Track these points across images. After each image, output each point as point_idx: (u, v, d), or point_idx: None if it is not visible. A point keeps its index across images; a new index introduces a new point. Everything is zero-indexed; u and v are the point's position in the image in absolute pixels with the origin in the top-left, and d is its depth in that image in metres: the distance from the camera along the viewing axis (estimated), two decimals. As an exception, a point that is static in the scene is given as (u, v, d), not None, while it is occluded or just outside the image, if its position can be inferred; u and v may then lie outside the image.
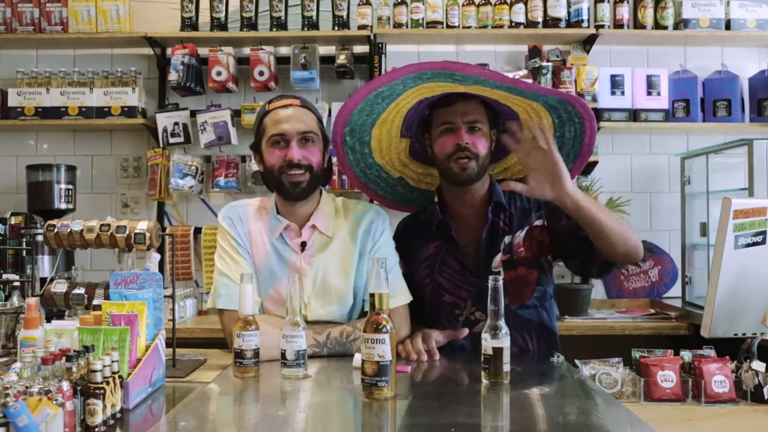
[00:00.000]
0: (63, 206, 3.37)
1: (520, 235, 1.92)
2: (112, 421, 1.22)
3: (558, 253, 1.96)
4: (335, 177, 3.47)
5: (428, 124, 1.97)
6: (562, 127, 1.96)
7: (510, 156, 2.05)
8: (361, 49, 3.54)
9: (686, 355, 1.74)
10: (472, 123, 1.87)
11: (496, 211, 1.94)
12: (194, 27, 3.50)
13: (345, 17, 3.46)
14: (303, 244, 1.87)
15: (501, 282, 1.53)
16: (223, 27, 3.49)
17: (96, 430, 1.18)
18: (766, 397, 1.61)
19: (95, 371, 1.19)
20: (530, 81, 3.28)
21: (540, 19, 3.41)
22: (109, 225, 1.72)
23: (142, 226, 1.71)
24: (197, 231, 3.49)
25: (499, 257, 1.91)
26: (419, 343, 1.77)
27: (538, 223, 1.94)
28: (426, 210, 2.07)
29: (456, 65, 1.75)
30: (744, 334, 1.75)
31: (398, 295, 1.85)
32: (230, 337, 1.83)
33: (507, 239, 1.92)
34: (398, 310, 1.83)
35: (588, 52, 3.50)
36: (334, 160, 2.23)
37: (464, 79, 1.79)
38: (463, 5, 3.42)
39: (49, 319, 1.69)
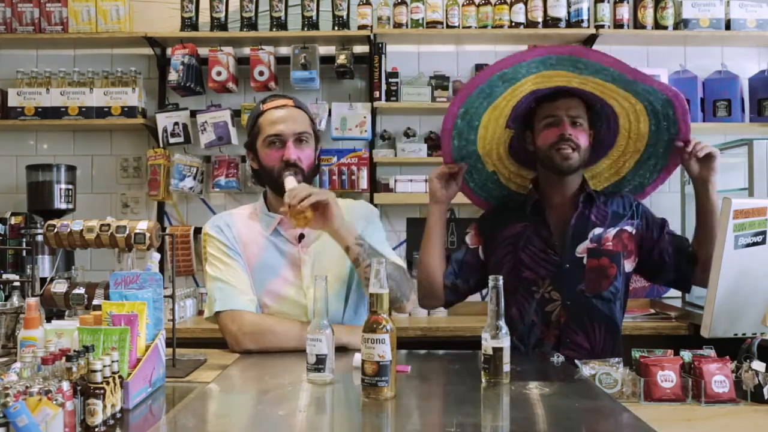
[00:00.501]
0: (63, 206, 3.38)
1: (611, 231, 1.99)
2: (112, 421, 1.22)
3: (645, 265, 2.04)
4: (335, 177, 3.47)
5: (531, 121, 2.03)
6: (656, 136, 2.02)
7: (601, 162, 2.12)
8: (361, 49, 3.54)
9: (686, 355, 1.73)
10: (574, 118, 1.95)
11: (586, 201, 2.01)
12: (194, 27, 3.51)
13: (345, 17, 3.46)
14: (301, 236, 1.91)
15: (501, 282, 1.53)
16: (223, 27, 3.49)
17: (96, 430, 1.18)
18: (766, 397, 1.60)
19: (95, 371, 1.19)
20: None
21: (540, 19, 3.41)
22: (109, 225, 1.72)
23: (142, 226, 1.71)
24: (197, 231, 3.49)
25: (585, 244, 1.97)
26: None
27: (628, 228, 2.01)
28: (519, 195, 2.15)
29: (582, 51, 1.88)
30: (744, 334, 1.75)
31: (393, 257, 1.93)
32: (230, 337, 1.85)
33: (597, 230, 1.98)
34: (399, 267, 1.89)
35: (588, 52, 3.50)
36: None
37: (586, 67, 1.87)
38: (463, 5, 3.43)
39: (49, 319, 1.68)
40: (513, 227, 2.03)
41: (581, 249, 1.97)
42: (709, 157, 1.91)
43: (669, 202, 3.49)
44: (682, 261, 2.00)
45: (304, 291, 1.87)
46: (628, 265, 2.02)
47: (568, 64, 1.88)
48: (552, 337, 1.95)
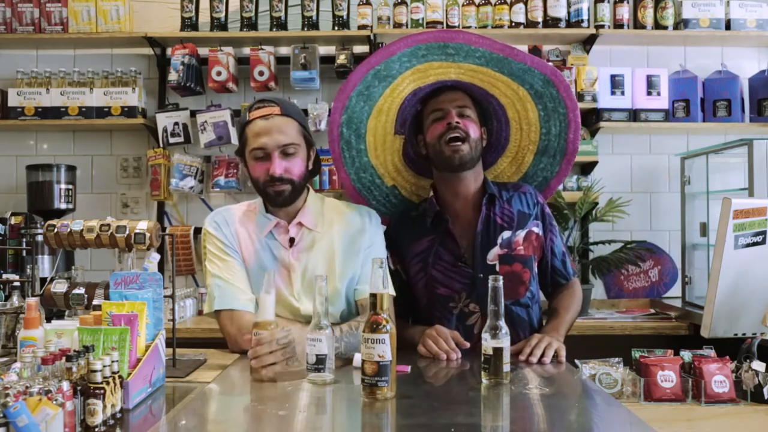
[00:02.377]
0: (63, 206, 3.37)
1: (521, 233, 1.95)
2: (112, 421, 1.22)
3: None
4: (335, 177, 3.47)
5: (420, 124, 2.00)
6: (547, 122, 1.99)
7: (500, 162, 2.10)
8: (361, 49, 3.54)
9: (686, 355, 1.74)
10: (460, 108, 1.92)
11: (489, 203, 1.97)
12: (194, 27, 3.50)
13: (345, 17, 3.46)
14: (291, 240, 1.90)
15: (501, 282, 1.53)
16: (223, 27, 3.49)
17: (96, 430, 1.18)
18: (766, 397, 1.61)
19: (95, 371, 1.19)
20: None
21: (540, 19, 3.41)
22: (109, 225, 1.72)
23: (142, 226, 1.71)
24: (197, 231, 3.49)
25: (496, 250, 1.93)
26: (444, 344, 1.77)
27: (534, 229, 1.98)
28: (418, 207, 2.08)
29: (448, 34, 1.82)
30: (744, 334, 1.75)
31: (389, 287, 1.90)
32: (229, 337, 1.85)
33: (506, 234, 1.94)
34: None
35: (588, 52, 3.51)
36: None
37: (457, 52, 1.84)
38: (463, 5, 3.43)
39: (49, 319, 1.68)
40: (419, 243, 1.98)
41: (492, 256, 1.93)
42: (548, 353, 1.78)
43: (669, 201, 3.50)
44: (551, 275, 2.03)
45: (295, 296, 1.86)
46: (536, 267, 2.00)
47: (438, 51, 1.84)
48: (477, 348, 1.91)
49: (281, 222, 1.91)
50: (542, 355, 1.74)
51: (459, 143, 1.89)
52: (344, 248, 1.90)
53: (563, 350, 1.78)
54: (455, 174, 1.95)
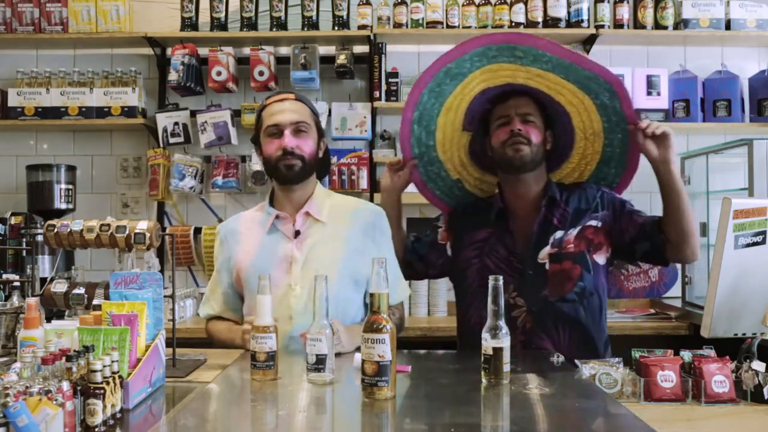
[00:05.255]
0: (63, 206, 3.37)
1: (572, 232, 2.00)
2: (112, 421, 1.22)
3: (620, 245, 2.03)
4: (335, 177, 3.47)
5: (487, 124, 2.07)
6: (611, 134, 2.03)
7: (565, 165, 2.14)
8: (361, 49, 3.54)
9: (686, 355, 1.74)
10: (524, 115, 1.99)
11: (549, 205, 2.02)
12: (194, 27, 3.50)
13: (345, 17, 3.46)
14: (297, 233, 1.94)
15: (501, 282, 1.53)
16: (223, 27, 3.49)
17: (96, 430, 1.18)
18: (766, 397, 1.60)
19: (95, 371, 1.19)
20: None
21: (540, 19, 3.41)
22: (109, 225, 1.72)
23: (142, 226, 1.71)
24: (197, 231, 3.49)
25: (547, 249, 1.99)
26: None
27: (592, 223, 2.01)
28: (486, 200, 2.17)
29: (518, 37, 1.90)
30: (744, 334, 1.75)
31: (400, 290, 2.02)
32: (211, 337, 2.03)
33: (558, 234, 2.00)
34: (399, 305, 2.04)
35: (588, 52, 3.50)
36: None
37: (525, 55, 1.91)
38: (463, 5, 3.43)
39: (49, 319, 1.68)
40: (479, 232, 2.07)
41: (543, 255, 1.99)
42: (664, 136, 1.91)
43: (669, 202, 3.49)
44: (654, 231, 1.98)
45: (293, 288, 1.88)
46: (601, 258, 2.02)
47: (507, 53, 1.92)
48: (518, 342, 1.95)
49: (282, 214, 1.96)
50: (657, 132, 1.89)
51: (520, 145, 1.96)
52: (350, 245, 1.93)
53: (672, 139, 1.91)
54: (517, 176, 2.03)
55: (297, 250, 1.92)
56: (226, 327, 2.00)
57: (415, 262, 2.17)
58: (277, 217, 1.96)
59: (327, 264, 1.88)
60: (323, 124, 3.41)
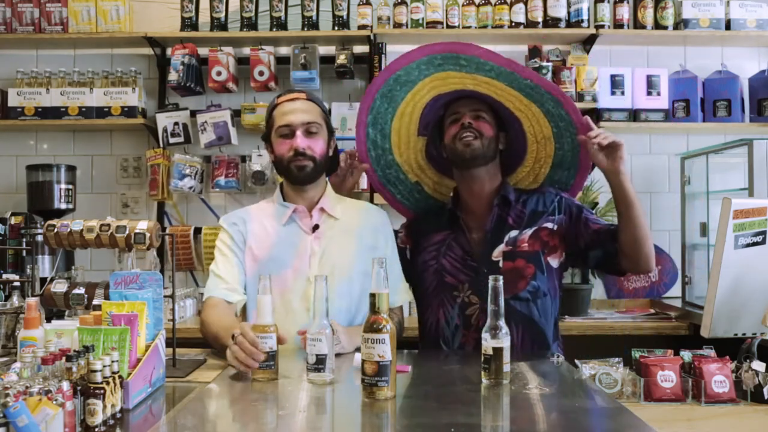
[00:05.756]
0: (63, 206, 3.37)
1: (527, 232, 2.02)
2: (112, 421, 1.22)
3: (575, 250, 2.05)
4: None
5: (442, 130, 2.09)
6: (561, 138, 2.06)
7: (520, 170, 2.16)
8: (361, 49, 3.54)
9: (686, 355, 1.74)
10: (476, 111, 2.02)
11: (501, 204, 2.04)
12: (194, 27, 3.50)
13: (345, 17, 3.46)
14: (315, 227, 1.97)
15: (501, 282, 1.53)
16: (223, 27, 3.49)
17: (96, 430, 1.18)
18: (766, 397, 1.61)
19: (95, 371, 1.19)
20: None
21: (540, 19, 3.41)
22: (109, 225, 1.72)
23: (142, 226, 1.71)
24: (197, 231, 3.49)
25: (501, 247, 2.01)
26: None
27: (548, 225, 2.03)
28: (441, 206, 2.20)
29: (460, 46, 1.91)
30: (744, 334, 1.75)
31: (400, 293, 2.03)
32: (204, 322, 1.88)
33: (513, 233, 2.02)
34: (399, 308, 2.06)
35: (588, 52, 3.50)
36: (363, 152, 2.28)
37: (469, 63, 1.93)
38: (463, 5, 3.42)
39: (49, 319, 1.69)
40: (436, 235, 2.10)
41: (497, 253, 2.01)
42: (613, 146, 1.88)
43: (669, 201, 3.50)
44: (608, 239, 1.99)
45: (311, 281, 1.89)
46: (555, 261, 2.04)
47: (452, 62, 1.95)
48: (472, 340, 1.97)
49: (300, 208, 1.98)
50: (604, 142, 1.87)
51: (470, 137, 1.98)
52: (362, 241, 1.98)
53: (623, 150, 1.87)
54: (469, 171, 2.04)
55: (316, 245, 1.95)
56: (225, 324, 1.84)
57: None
58: (294, 210, 1.98)
59: (343, 259, 1.94)
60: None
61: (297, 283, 1.92)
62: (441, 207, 2.20)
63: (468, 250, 2.03)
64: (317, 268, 1.92)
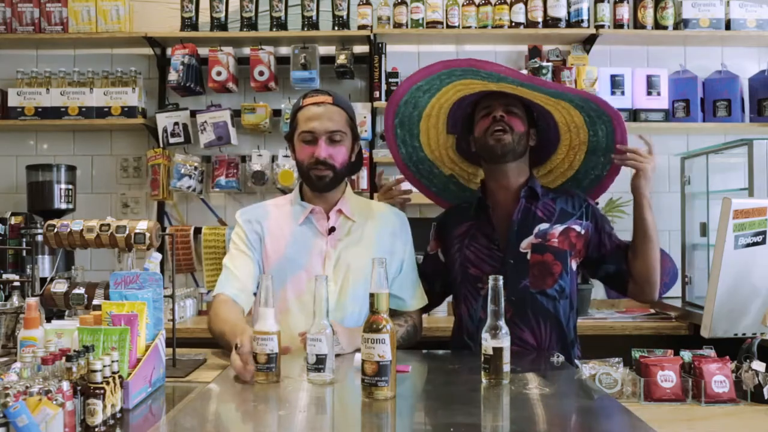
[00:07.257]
0: (63, 206, 3.37)
1: (558, 228, 2.00)
2: (112, 421, 1.22)
3: (591, 259, 2.05)
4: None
5: (472, 125, 2.07)
6: (593, 125, 2.04)
7: (554, 157, 2.16)
8: (361, 49, 3.54)
9: (686, 355, 1.74)
10: (507, 106, 1.99)
11: (529, 197, 2.02)
12: (194, 27, 3.50)
13: (345, 17, 3.46)
14: (331, 229, 1.96)
15: (501, 282, 1.53)
16: (223, 27, 3.49)
17: (96, 430, 1.18)
18: (766, 397, 1.60)
19: (95, 371, 1.19)
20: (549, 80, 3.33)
21: (540, 19, 3.41)
22: (109, 225, 1.72)
23: (142, 226, 1.72)
24: (197, 231, 3.49)
25: (530, 239, 1.98)
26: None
27: (576, 227, 2.01)
28: (470, 200, 2.18)
29: (479, 63, 1.90)
30: (744, 334, 1.75)
31: (418, 297, 2.04)
32: (209, 317, 1.88)
33: (543, 226, 1.99)
34: (417, 313, 2.04)
35: (588, 52, 3.50)
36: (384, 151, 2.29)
37: (489, 76, 1.92)
38: (463, 5, 3.42)
39: (49, 319, 1.69)
40: (462, 226, 2.08)
41: (525, 244, 1.98)
42: (641, 170, 1.95)
43: (669, 201, 3.49)
44: (621, 256, 2.02)
45: (327, 284, 1.88)
46: (574, 265, 2.03)
47: (472, 74, 1.94)
48: None
49: (317, 209, 1.96)
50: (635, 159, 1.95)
51: (501, 133, 1.96)
52: (380, 245, 1.96)
53: (648, 175, 1.95)
54: (499, 165, 2.02)
55: (331, 247, 1.94)
56: (232, 323, 1.81)
57: (428, 289, 2.12)
58: (311, 211, 1.97)
59: (358, 263, 1.91)
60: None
61: (311, 284, 1.89)
62: (467, 201, 2.18)
63: (493, 240, 2.01)
64: (332, 271, 1.91)
